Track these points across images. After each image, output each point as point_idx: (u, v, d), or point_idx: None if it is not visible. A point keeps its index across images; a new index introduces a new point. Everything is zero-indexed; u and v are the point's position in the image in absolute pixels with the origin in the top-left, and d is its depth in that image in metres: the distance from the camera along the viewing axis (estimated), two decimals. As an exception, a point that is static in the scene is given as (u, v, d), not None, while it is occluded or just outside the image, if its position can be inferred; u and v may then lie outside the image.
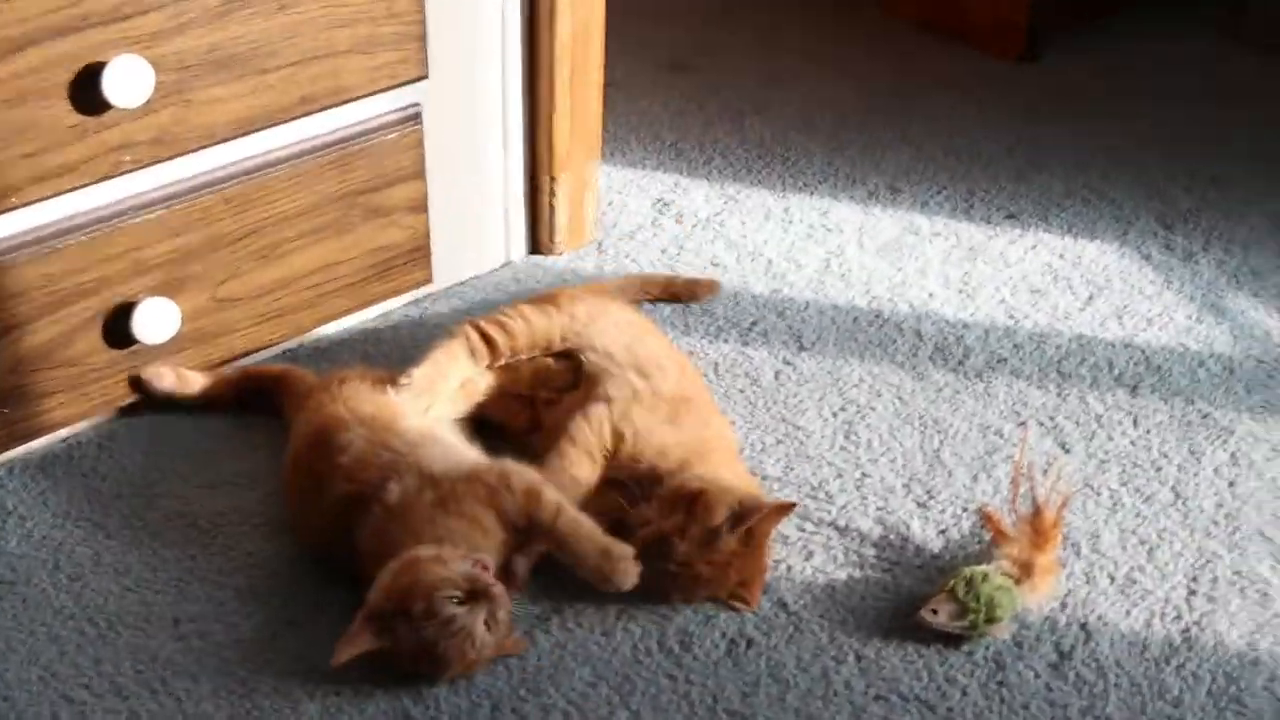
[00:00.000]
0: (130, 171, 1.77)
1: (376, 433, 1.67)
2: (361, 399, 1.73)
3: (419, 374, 1.77)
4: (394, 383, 1.77)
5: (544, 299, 1.91)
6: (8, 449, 1.79)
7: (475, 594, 1.49)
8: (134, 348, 1.83)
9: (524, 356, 1.83)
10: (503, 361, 1.82)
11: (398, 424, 1.69)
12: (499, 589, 1.51)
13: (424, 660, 1.50)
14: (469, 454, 1.69)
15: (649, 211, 2.33)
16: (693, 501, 1.61)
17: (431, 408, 1.76)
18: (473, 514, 1.58)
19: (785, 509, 1.65)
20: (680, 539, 1.59)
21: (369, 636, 1.48)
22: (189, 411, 1.88)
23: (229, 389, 1.89)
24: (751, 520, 1.59)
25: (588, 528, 1.58)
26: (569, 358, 1.82)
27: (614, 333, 1.83)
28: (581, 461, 1.69)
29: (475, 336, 1.82)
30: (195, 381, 1.88)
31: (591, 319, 1.84)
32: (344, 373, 1.79)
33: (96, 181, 1.74)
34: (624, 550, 1.57)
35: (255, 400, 1.88)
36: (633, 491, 1.65)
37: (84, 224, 1.76)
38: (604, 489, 1.68)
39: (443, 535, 1.55)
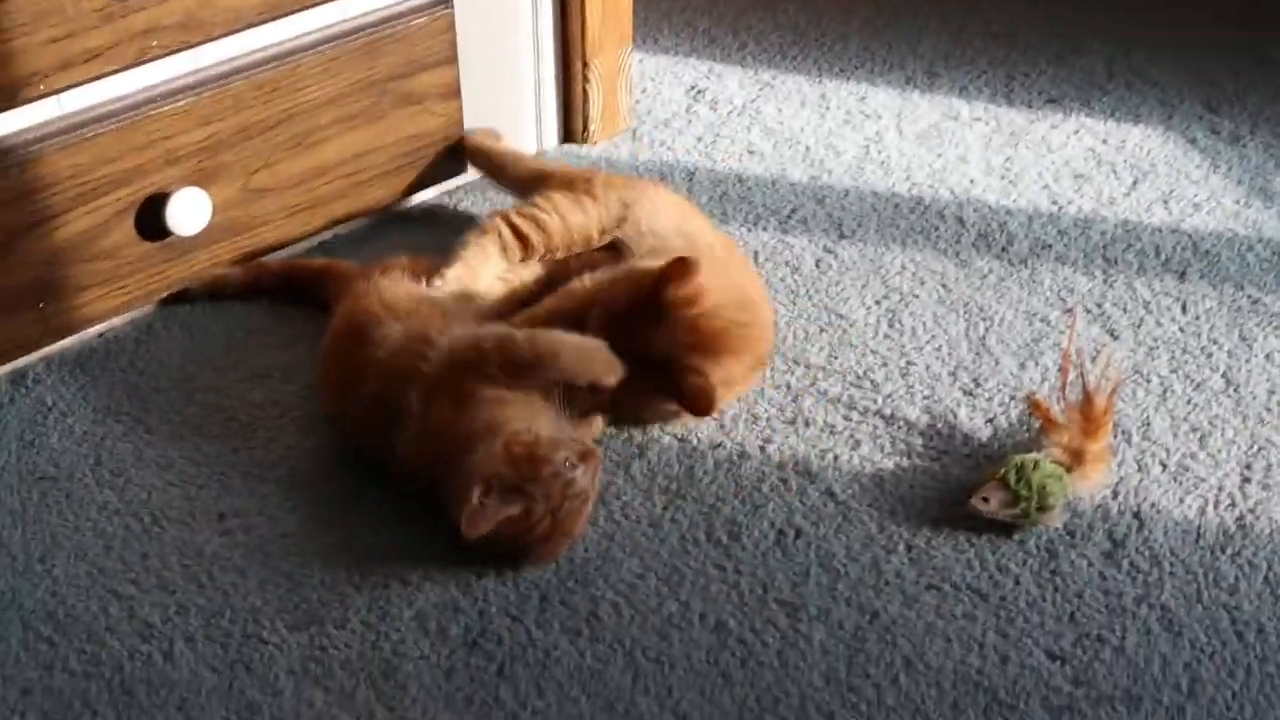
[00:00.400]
0: (158, 58, 1.73)
1: (413, 330, 1.64)
2: (399, 292, 1.70)
3: (451, 274, 1.75)
4: (430, 277, 1.74)
5: (578, 186, 1.85)
6: (45, 345, 1.77)
7: (584, 455, 1.50)
8: (168, 239, 1.80)
9: (560, 253, 1.80)
10: (537, 257, 1.79)
11: (435, 323, 1.66)
12: (596, 449, 1.52)
13: (546, 530, 1.49)
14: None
15: (683, 99, 2.28)
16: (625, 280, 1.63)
17: (473, 300, 1.74)
18: (491, 394, 1.55)
19: (680, 265, 1.60)
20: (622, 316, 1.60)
21: (496, 505, 1.46)
22: (224, 303, 1.85)
23: (272, 278, 1.87)
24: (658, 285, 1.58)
25: (560, 335, 1.58)
26: (613, 248, 1.78)
27: (662, 216, 1.79)
28: None
29: (508, 232, 1.78)
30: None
31: (635, 203, 1.80)
32: (386, 262, 1.76)
33: (124, 68, 1.71)
34: (594, 343, 1.58)
35: (297, 292, 1.86)
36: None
37: (113, 112, 1.72)
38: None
39: (479, 429, 1.53)
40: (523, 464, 1.48)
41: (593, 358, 1.57)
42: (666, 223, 1.79)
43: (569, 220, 1.79)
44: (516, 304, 1.76)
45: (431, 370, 1.57)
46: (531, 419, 1.53)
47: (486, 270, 1.77)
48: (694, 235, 1.78)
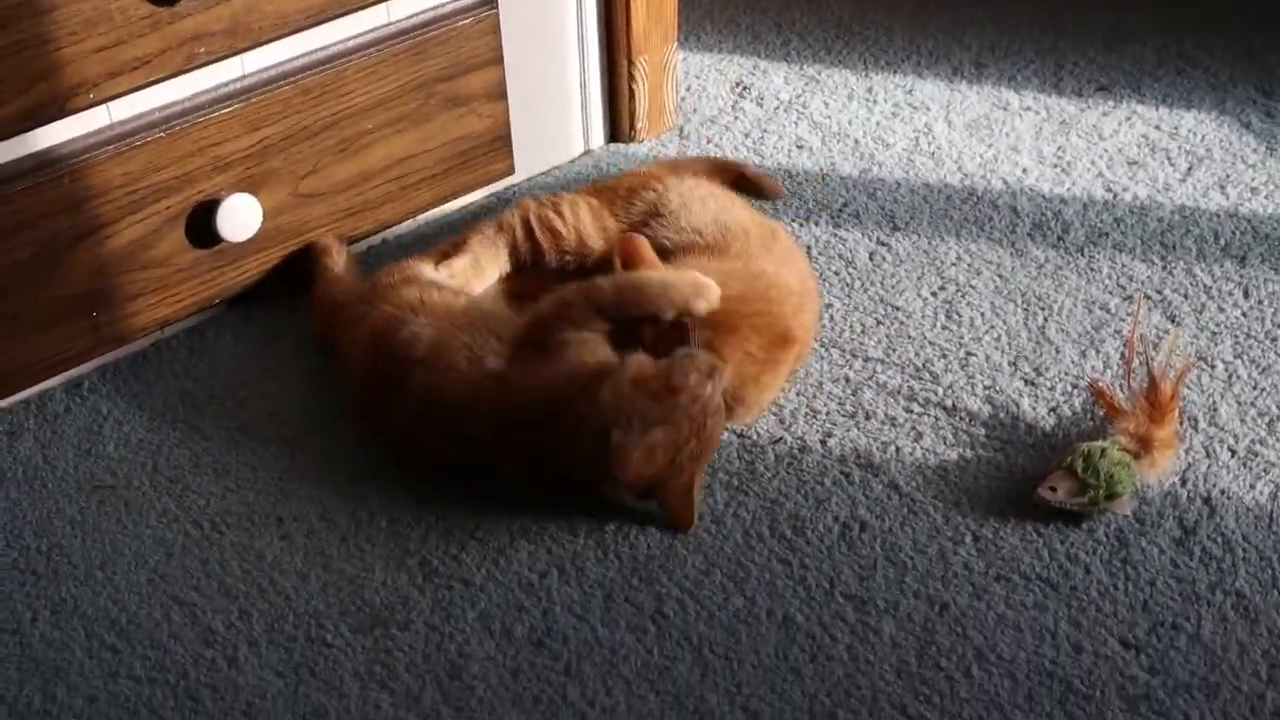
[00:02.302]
0: (206, 64, 1.72)
1: (438, 317, 1.62)
2: (401, 292, 1.68)
3: (458, 266, 1.75)
4: (437, 262, 1.75)
5: (615, 200, 1.84)
6: (99, 354, 1.77)
7: (711, 369, 1.50)
8: (218, 246, 1.80)
9: (570, 260, 1.79)
10: (546, 261, 1.79)
11: (458, 304, 1.66)
12: (719, 359, 1.52)
13: (695, 452, 1.49)
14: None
15: (729, 95, 2.26)
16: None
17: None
18: (578, 337, 1.55)
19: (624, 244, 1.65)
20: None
21: (646, 440, 1.46)
22: (276, 308, 1.85)
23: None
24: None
25: (644, 272, 1.58)
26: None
27: (696, 208, 1.78)
28: None
29: (522, 234, 1.79)
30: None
31: (663, 197, 1.80)
32: (374, 276, 1.76)
33: (172, 75, 1.70)
34: (679, 273, 1.58)
35: None
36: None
37: (162, 119, 1.72)
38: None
39: (579, 370, 1.52)
40: (660, 394, 1.46)
41: (678, 286, 1.56)
42: (701, 215, 1.77)
43: (585, 232, 1.79)
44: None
45: (510, 337, 1.57)
46: (609, 355, 1.54)
47: (493, 269, 1.77)
48: (729, 225, 1.76)
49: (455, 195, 2.01)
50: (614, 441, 1.45)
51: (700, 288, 1.56)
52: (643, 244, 1.64)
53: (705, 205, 1.80)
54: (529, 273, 1.81)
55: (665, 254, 1.74)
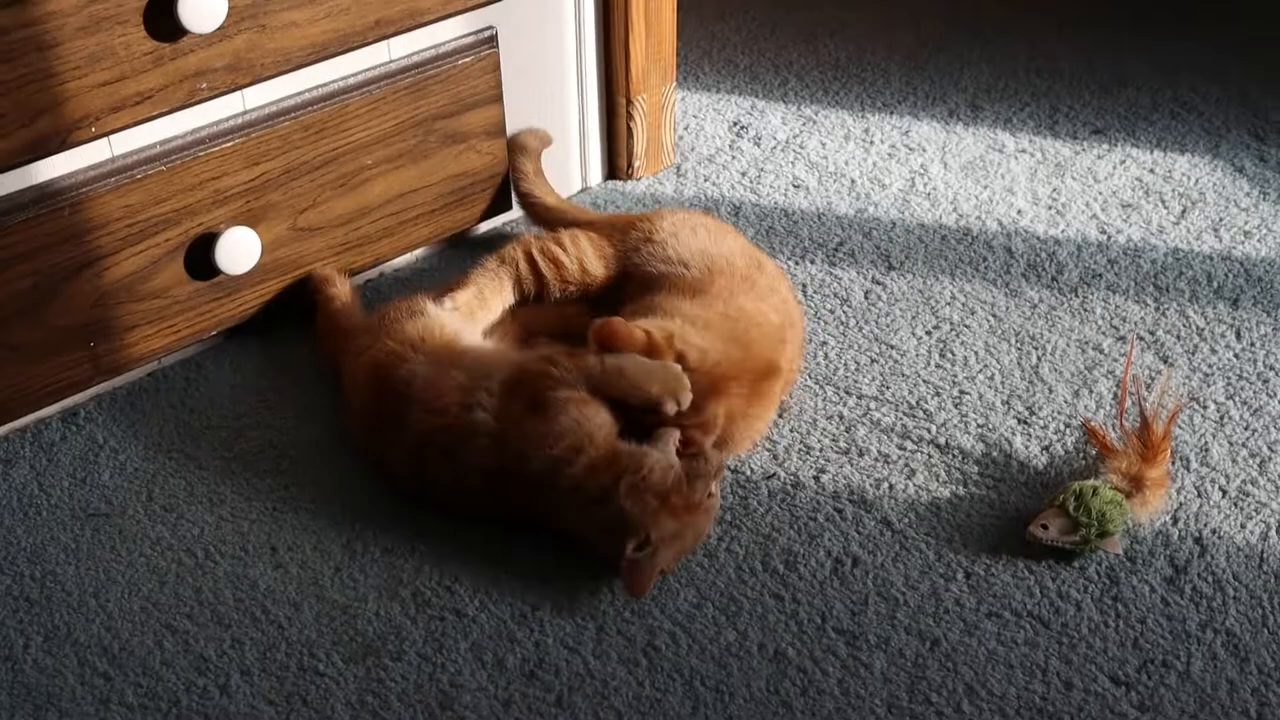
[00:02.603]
0: (208, 99, 1.73)
1: (436, 355, 1.64)
2: (404, 327, 1.70)
3: (462, 299, 1.76)
4: (439, 297, 1.76)
5: (613, 235, 1.86)
6: (96, 383, 1.77)
7: (718, 471, 1.55)
8: (217, 279, 1.81)
9: (573, 292, 1.81)
10: (550, 295, 1.80)
11: (458, 343, 1.67)
12: (722, 458, 1.56)
13: (685, 546, 1.53)
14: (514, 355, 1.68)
15: (726, 134, 2.28)
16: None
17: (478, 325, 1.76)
18: (570, 395, 1.55)
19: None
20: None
21: (654, 558, 1.49)
22: (273, 340, 1.86)
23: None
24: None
25: (628, 362, 1.59)
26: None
27: (685, 237, 1.79)
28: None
29: (525, 268, 1.80)
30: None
31: (655, 229, 1.82)
32: (382, 309, 1.76)
33: (174, 109, 1.71)
34: (664, 366, 1.59)
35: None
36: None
37: (163, 153, 1.73)
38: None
39: (561, 431, 1.53)
40: (679, 511, 1.50)
41: (657, 379, 1.57)
42: (690, 244, 1.78)
43: (587, 266, 1.81)
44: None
45: (500, 383, 1.58)
46: (609, 421, 1.55)
47: (497, 303, 1.78)
48: (715, 258, 1.77)
49: (453, 230, 2.02)
50: (628, 555, 1.47)
51: (674, 388, 1.57)
52: (620, 327, 1.62)
53: (695, 234, 1.81)
54: (533, 309, 1.82)
55: (651, 281, 1.75)
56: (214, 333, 1.85)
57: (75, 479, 1.68)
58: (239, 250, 1.79)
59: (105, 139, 1.69)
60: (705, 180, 2.18)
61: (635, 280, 1.79)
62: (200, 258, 1.78)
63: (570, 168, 2.14)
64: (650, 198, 2.14)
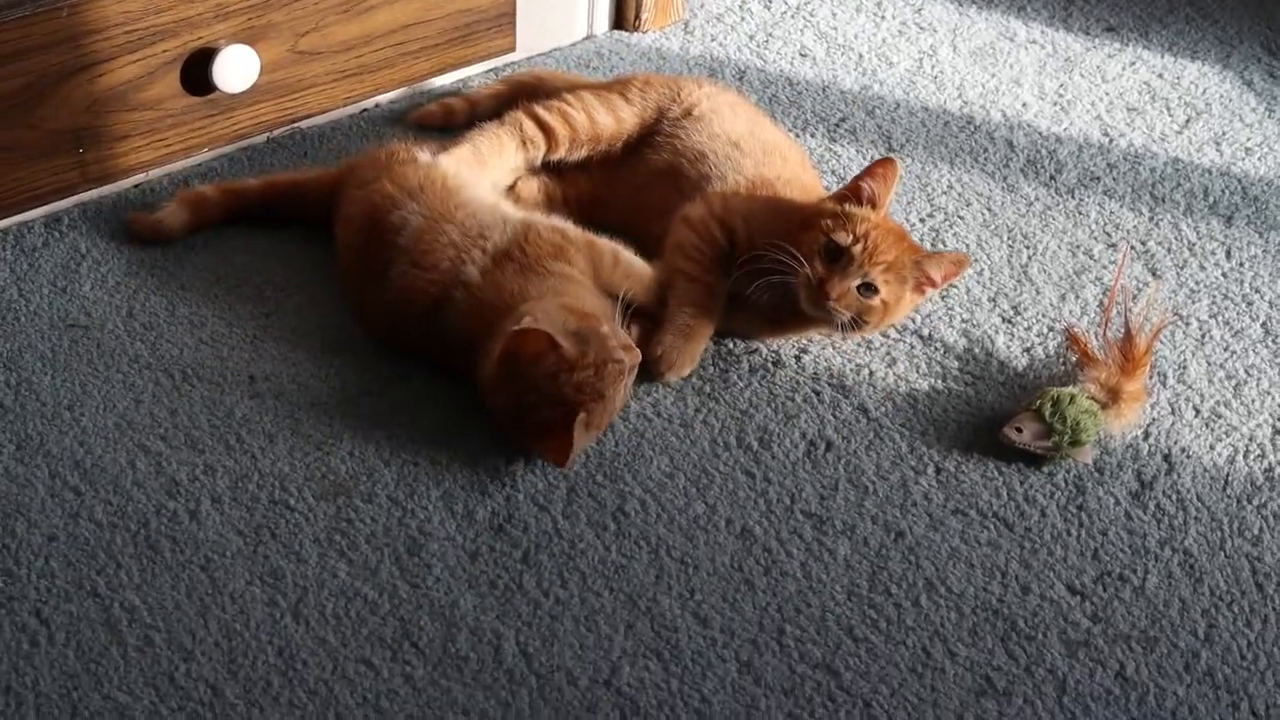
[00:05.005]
0: (216, -92, 1.69)
1: (433, 209, 1.61)
2: (406, 171, 1.67)
3: (456, 153, 1.73)
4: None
5: (612, 89, 1.83)
6: (81, 191, 1.75)
7: (628, 346, 1.51)
8: (212, 95, 1.77)
9: (585, 151, 1.77)
10: (562, 152, 1.76)
11: (458, 195, 1.64)
12: (638, 351, 1.53)
13: (587, 381, 1.48)
14: (518, 215, 1.66)
15: (735, -5, 2.24)
16: None
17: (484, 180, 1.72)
18: (565, 270, 1.55)
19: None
20: None
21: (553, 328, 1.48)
22: (268, 159, 1.83)
23: (251, 200, 1.76)
24: None
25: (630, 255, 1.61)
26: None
27: (728, 119, 1.77)
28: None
29: (530, 125, 1.76)
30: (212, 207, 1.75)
31: (701, 103, 1.78)
32: (389, 147, 1.73)
33: (181, -84, 1.67)
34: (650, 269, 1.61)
35: (276, 212, 1.76)
36: None
37: (167, -40, 1.69)
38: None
39: (544, 292, 1.53)
40: (579, 314, 1.48)
41: (640, 280, 1.59)
42: (738, 126, 1.76)
43: (596, 117, 1.77)
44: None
45: (498, 244, 1.57)
46: (593, 299, 1.54)
47: (498, 162, 1.74)
48: (766, 142, 1.76)
49: (453, 67, 1.98)
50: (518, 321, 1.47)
51: (649, 292, 1.61)
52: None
53: (737, 116, 1.78)
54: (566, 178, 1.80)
55: (696, 157, 1.73)
56: (205, 150, 1.82)
57: (56, 287, 1.66)
58: (237, 68, 1.76)
59: (108, -60, 1.64)
60: (712, 40, 2.14)
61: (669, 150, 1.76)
62: (197, 73, 1.75)
63: (577, 13, 2.10)
64: (655, 53, 2.10)
